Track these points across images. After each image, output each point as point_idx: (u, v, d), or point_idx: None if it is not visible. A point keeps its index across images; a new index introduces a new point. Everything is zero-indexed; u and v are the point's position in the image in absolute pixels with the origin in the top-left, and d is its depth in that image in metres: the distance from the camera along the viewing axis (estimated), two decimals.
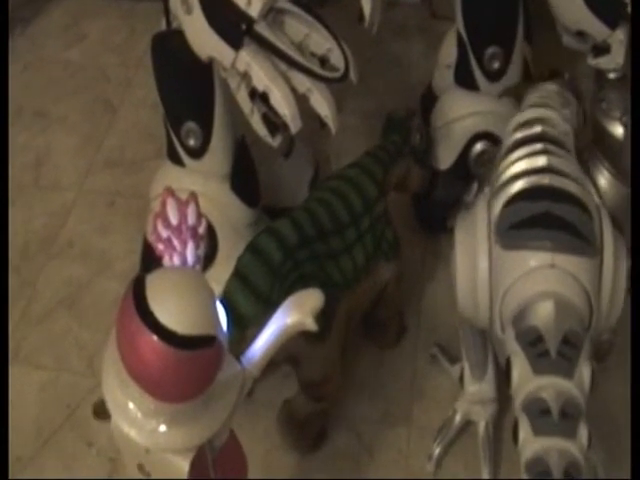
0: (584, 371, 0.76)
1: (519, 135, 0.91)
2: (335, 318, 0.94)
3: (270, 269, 0.87)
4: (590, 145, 1.08)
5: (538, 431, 0.73)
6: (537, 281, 0.80)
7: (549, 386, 0.74)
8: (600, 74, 1.06)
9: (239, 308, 0.84)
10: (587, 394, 0.75)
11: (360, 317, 1.07)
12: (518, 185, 0.84)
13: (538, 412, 0.74)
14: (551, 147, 0.87)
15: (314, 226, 0.92)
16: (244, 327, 0.83)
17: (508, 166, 0.87)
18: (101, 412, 0.69)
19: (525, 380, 0.76)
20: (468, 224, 0.87)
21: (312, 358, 0.94)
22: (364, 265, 0.98)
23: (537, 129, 0.90)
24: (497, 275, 0.83)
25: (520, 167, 0.86)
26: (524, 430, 0.74)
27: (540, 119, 0.92)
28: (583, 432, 0.73)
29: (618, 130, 1.01)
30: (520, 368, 0.77)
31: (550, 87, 0.98)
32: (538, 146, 0.87)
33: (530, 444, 0.73)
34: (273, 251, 0.88)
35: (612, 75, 1.03)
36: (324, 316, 0.92)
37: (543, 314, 0.78)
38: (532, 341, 0.77)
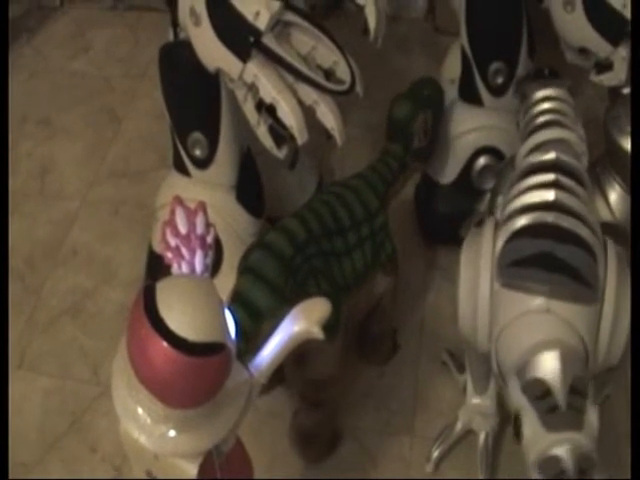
0: (592, 417, 0.75)
1: (533, 160, 0.88)
2: (342, 315, 0.95)
3: (282, 263, 0.88)
4: (602, 159, 1.08)
5: None
6: (536, 328, 0.79)
7: (562, 442, 0.73)
8: (614, 90, 1.06)
9: (255, 302, 0.85)
10: (596, 439, 0.75)
11: (355, 331, 1.07)
12: (522, 220, 0.83)
13: (554, 473, 0.73)
14: (563, 179, 0.85)
15: (320, 224, 0.94)
16: (260, 321, 0.84)
17: (518, 194, 0.86)
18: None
19: (537, 438, 0.75)
20: (474, 250, 0.86)
21: (322, 354, 0.94)
22: (362, 271, 0.99)
23: (551, 155, 0.87)
24: (495, 310, 0.82)
25: (528, 200, 0.84)
26: None
27: (556, 140, 0.90)
28: None
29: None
30: (531, 425, 0.76)
31: (559, 93, 0.96)
32: (549, 177, 0.85)
33: None
34: (284, 246, 0.89)
35: (625, 91, 1.04)
36: (335, 311, 0.93)
37: (548, 366, 0.76)
38: (540, 395, 0.76)
